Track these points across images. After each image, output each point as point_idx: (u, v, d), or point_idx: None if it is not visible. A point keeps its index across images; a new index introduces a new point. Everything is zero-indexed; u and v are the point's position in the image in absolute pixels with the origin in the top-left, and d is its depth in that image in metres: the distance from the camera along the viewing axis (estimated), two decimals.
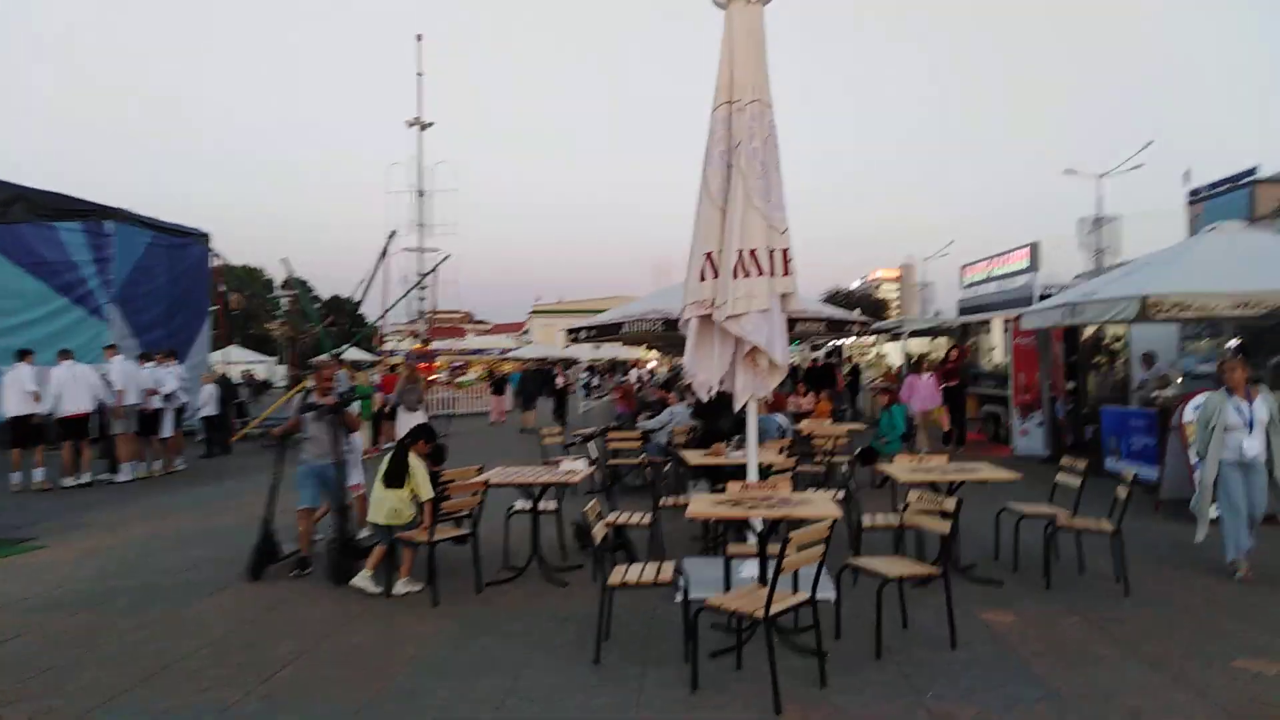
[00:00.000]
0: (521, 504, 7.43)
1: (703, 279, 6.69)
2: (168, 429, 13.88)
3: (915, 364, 12.93)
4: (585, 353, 55.79)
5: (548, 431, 10.89)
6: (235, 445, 17.57)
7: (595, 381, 40.69)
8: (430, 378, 25.64)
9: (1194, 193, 79.25)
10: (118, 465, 13.05)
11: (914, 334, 21.00)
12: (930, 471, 6.84)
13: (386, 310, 27.80)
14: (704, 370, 6.56)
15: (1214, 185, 79.36)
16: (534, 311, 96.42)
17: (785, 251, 6.66)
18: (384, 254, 24.98)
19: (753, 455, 6.62)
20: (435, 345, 35.78)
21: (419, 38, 35.47)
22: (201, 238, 21.35)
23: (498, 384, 29.00)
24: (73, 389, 12.63)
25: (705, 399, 6.73)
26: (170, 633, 5.68)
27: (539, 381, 28.01)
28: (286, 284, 38.34)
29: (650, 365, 53.58)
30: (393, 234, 26.39)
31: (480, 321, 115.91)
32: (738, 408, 6.54)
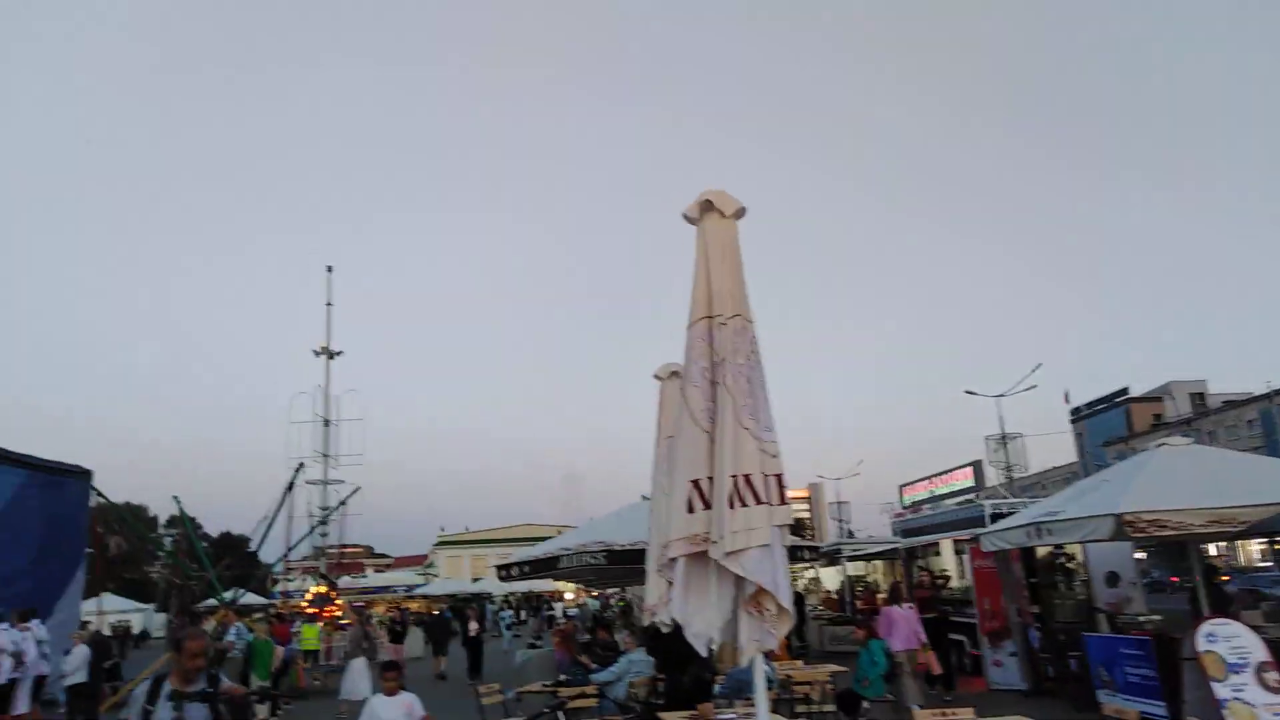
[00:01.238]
0: None
1: (691, 510, 5.91)
2: (23, 703, 11.67)
3: (892, 594, 12.07)
4: (497, 586, 53.15)
5: (486, 690, 9.43)
6: (105, 716, 14.97)
7: (519, 618, 37.91)
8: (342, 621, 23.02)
9: (1075, 411, 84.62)
10: None
11: (852, 557, 20.29)
12: None
13: (290, 548, 25.55)
14: (699, 619, 5.63)
15: (1091, 405, 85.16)
16: (439, 543, 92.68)
17: (780, 477, 5.98)
18: (290, 487, 23.32)
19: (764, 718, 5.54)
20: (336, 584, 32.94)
21: (329, 269, 35.43)
22: (82, 475, 19.47)
23: (396, 632, 25.68)
24: None
25: (705, 651, 5.74)
26: None
27: (447, 626, 25.63)
28: (173, 522, 35.46)
29: (568, 597, 51.03)
30: (300, 466, 24.82)
31: (381, 555, 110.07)
32: (745, 661, 5.55)
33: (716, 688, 8.07)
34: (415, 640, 27.09)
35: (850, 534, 56.32)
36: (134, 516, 60.85)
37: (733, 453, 5.86)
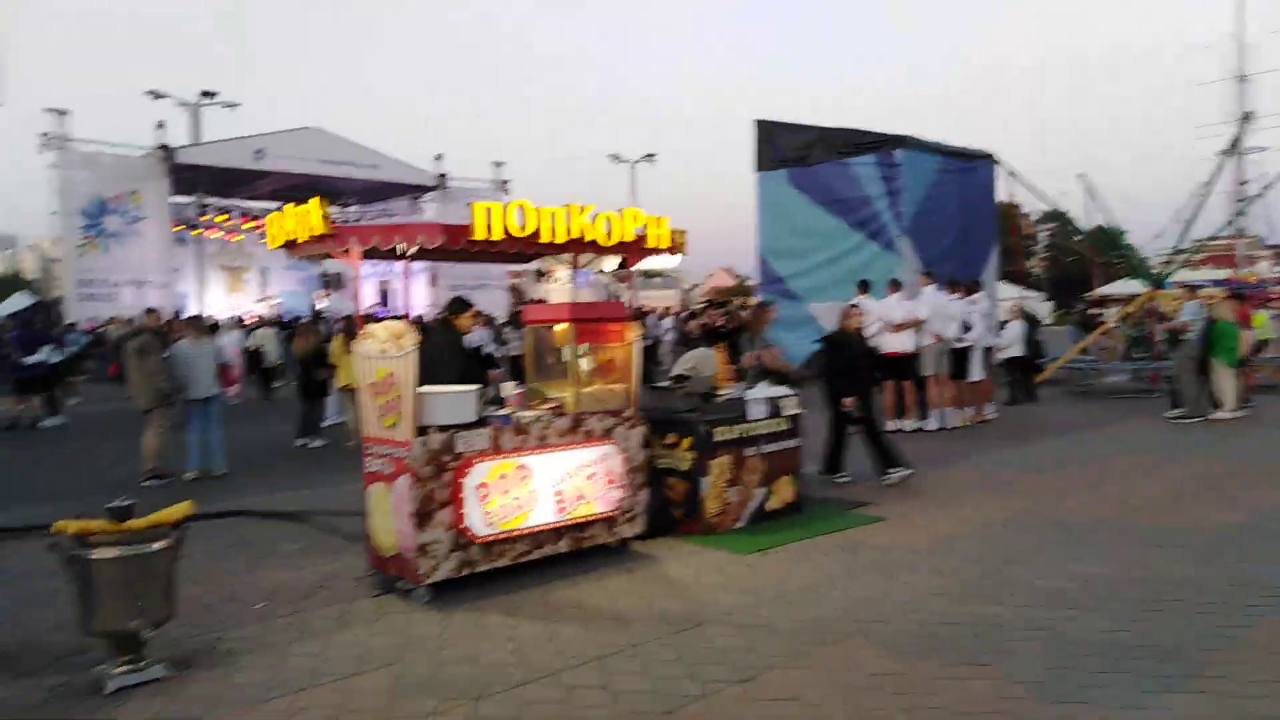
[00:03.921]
0: None
1: None
2: (976, 371, 11.94)
3: None
4: None
5: None
6: (1039, 391, 15.01)
7: None
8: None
9: None
10: (925, 411, 11.58)
11: None
12: None
13: (1231, 216, 20.90)
14: None
15: None
16: None
17: None
18: (1233, 148, 18.69)
19: None
20: (1208, 274, 27.02)
21: None
22: (987, 158, 19.13)
23: None
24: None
25: None
26: None
27: None
28: (1047, 217, 34.08)
29: None
30: (1247, 115, 19.93)
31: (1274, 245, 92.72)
32: None
33: None
34: None
35: None
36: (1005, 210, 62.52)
37: None
